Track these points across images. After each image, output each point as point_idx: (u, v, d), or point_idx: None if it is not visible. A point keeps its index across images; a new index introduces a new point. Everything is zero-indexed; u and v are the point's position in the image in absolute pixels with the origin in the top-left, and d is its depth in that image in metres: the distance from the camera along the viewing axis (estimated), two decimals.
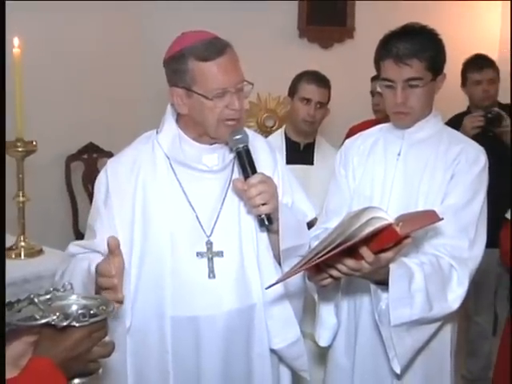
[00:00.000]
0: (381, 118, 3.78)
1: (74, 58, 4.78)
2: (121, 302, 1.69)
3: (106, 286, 1.68)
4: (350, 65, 5.20)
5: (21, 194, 2.97)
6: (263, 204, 1.92)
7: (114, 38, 4.99)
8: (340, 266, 1.81)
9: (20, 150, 2.92)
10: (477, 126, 3.57)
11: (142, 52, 4.87)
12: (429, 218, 1.82)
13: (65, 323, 1.31)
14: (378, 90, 2.26)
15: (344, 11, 5.55)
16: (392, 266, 1.89)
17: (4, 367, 1.27)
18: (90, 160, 4.95)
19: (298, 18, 5.53)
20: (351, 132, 3.88)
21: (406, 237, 1.77)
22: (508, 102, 4.03)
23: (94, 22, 4.86)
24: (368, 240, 1.73)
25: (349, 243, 1.67)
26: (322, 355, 2.54)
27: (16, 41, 2.82)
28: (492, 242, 3.40)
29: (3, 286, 1.43)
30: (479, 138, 3.29)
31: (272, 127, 5.19)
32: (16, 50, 2.82)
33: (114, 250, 1.68)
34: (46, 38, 4.58)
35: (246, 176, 1.95)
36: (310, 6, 5.50)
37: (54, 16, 4.65)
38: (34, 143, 2.98)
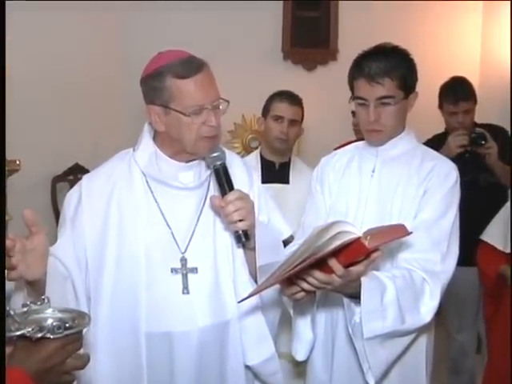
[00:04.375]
0: (361, 138, 3.81)
1: (60, 78, 4.84)
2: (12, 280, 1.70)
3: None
4: (333, 87, 5.27)
5: None
6: (240, 220, 1.95)
7: (102, 60, 5.06)
8: (311, 280, 1.83)
9: None
10: (461, 144, 3.60)
11: (129, 74, 4.93)
12: (397, 231, 1.86)
13: (39, 335, 1.34)
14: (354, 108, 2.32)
15: (327, 34, 5.64)
16: (364, 280, 1.92)
17: (4, 367, 1.29)
18: (75, 181, 4.94)
19: (282, 40, 5.63)
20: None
21: (375, 250, 1.80)
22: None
23: (80, 44, 4.92)
24: (337, 254, 1.76)
25: (317, 256, 1.70)
26: (298, 374, 2.56)
27: None
28: (474, 260, 3.46)
29: (3, 289, 1.46)
30: (455, 158, 3.35)
31: (257, 148, 5.25)
32: None
33: (30, 225, 1.71)
34: (33, 59, 4.64)
35: (224, 193, 1.98)
36: (293, 29, 5.61)
37: (40, 37, 4.71)
38: (18, 162, 3.00)
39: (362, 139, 2.42)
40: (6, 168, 2.97)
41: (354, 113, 4.18)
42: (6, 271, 1.68)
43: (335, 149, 4.07)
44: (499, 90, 5.10)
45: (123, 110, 5.04)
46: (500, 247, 3.34)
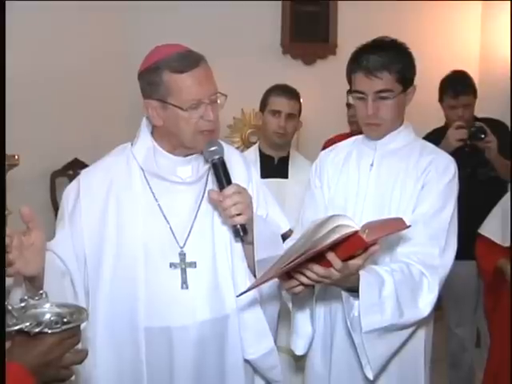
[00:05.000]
0: (355, 130, 3.82)
1: (60, 74, 4.83)
2: (10, 276, 1.71)
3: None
4: (332, 81, 5.28)
5: None
6: (238, 214, 1.95)
7: (101, 55, 5.05)
8: (309, 274, 1.83)
9: None
10: (460, 138, 3.59)
11: (128, 70, 4.93)
12: (395, 225, 1.86)
13: (37, 330, 1.34)
14: (351, 101, 2.31)
15: (327, 28, 5.64)
16: (362, 273, 1.93)
17: (4, 367, 1.29)
18: (75, 176, 4.88)
19: (282, 34, 5.63)
20: (326, 146, 3.94)
21: (374, 244, 1.80)
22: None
23: (80, 38, 4.92)
24: (335, 247, 1.76)
25: (315, 250, 1.70)
26: (297, 369, 2.57)
27: None
28: (472, 254, 3.47)
29: (3, 288, 1.47)
30: (454, 151, 3.34)
31: (256, 142, 5.25)
32: None
33: (27, 221, 1.71)
34: (33, 56, 4.64)
35: (222, 187, 1.98)
36: (293, 23, 5.60)
37: (40, 35, 4.71)
38: (16, 157, 3.01)
39: (358, 132, 2.41)
40: (6, 163, 2.98)
41: (348, 105, 4.21)
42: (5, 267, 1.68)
43: (324, 144, 4.12)
44: (499, 85, 5.09)
45: (122, 104, 5.04)
46: (498, 241, 3.33)
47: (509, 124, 4.04)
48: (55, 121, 4.87)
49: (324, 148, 3.87)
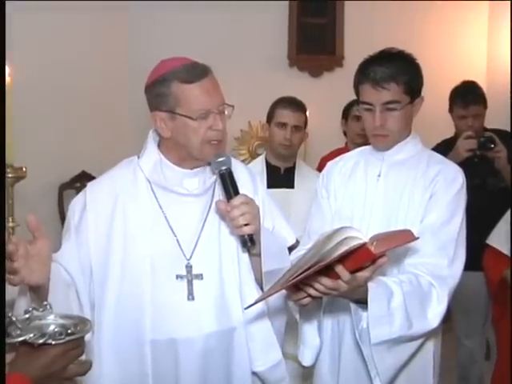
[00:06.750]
0: (358, 143, 3.77)
1: (67, 86, 4.85)
2: (15, 284, 1.70)
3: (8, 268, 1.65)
4: (339, 93, 5.29)
5: (10, 220, 3.00)
6: (246, 224, 1.94)
7: (108, 68, 5.07)
8: (317, 286, 1.82)
9: (10, 175, 2.95)
10: (470, 148, 3.58)
11: (135, 82, 4.94)
12: (404, 237, 1.84)
13: (41, 341, 1.34)
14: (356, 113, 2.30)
15: (333, 40, 5.66)
16: (371, 285, 1.91)
17: (4, 368, 1.29)
18: (82, 188, 4.91)
19: (288, 47, 5.65)
20: (322, 162, 3.95)
21: (382, 256, 1.79)
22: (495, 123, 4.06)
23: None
24: (343, 259, 1.75)
25: (323, 262, 1.69)
26: (305, 376, 2.55)
27: (6, 69, 2.85)
28: (481, 265, 3.44)
29: (3, 291, 1.46)
30: (464, 161, 3.33)
31: None
32: (7, 79, 2.86)
33: (33, 230, 1.70)
34: (38, 65, 4.65)
35: (229, 197, 1.97)
36: (299, 36, 5.62)
37: (46, 43, 4.73)
38: (24, 169, 3.01)
39: (356, 146, 2.40)
40: (13, 175, 2.98)
41: (345, 119, 4.18)
42: (7, 276, 1.67)
43: (323, 158, 4.12)
44: (505, 96, 5.07)
45: (129, 117, 5.05)
46: (505, 251, 3.31)
47: None
48: (62, 133, 4.88)
49: (320, 166, 3.90)
